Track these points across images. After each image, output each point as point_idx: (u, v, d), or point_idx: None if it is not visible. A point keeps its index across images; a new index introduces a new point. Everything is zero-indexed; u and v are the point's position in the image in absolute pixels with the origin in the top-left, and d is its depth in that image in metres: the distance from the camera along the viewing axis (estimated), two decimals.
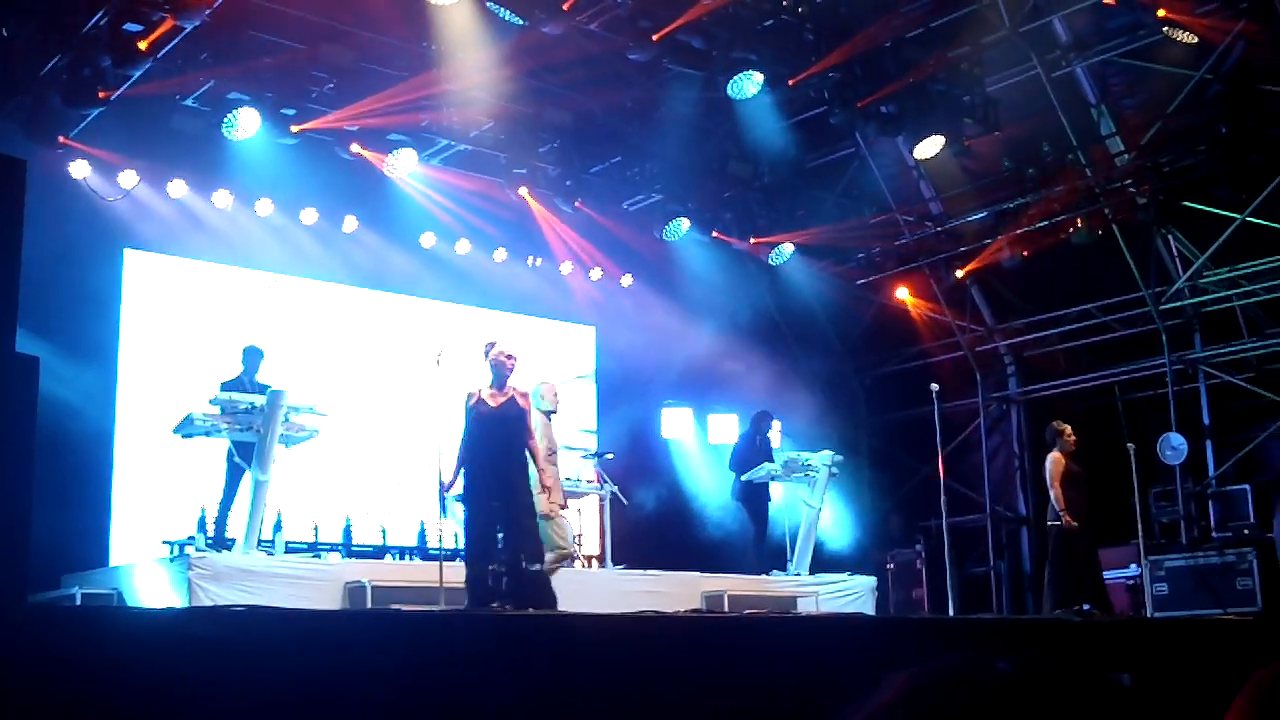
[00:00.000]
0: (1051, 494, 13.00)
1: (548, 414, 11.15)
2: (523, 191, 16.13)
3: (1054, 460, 13.06)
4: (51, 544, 10.08)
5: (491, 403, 10.12)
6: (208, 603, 9.97)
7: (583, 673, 6.19)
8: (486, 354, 10.34)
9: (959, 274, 18.16)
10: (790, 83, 14.45)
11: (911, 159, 17.13)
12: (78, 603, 10.93)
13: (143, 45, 11.49)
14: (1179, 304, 16.87)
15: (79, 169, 13.68)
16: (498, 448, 10.07)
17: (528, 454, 10.28)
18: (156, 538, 12.77)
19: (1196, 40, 14.56)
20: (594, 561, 14.14)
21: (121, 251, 14.65)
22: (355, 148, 14.66)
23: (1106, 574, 13.84)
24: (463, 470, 10.20)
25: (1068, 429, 13.22)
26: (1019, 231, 17.21)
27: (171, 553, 12.12)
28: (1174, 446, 15.84)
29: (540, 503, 10.53)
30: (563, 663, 6.19)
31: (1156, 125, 15.94)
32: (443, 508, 10.52)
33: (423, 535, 14.70)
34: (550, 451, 11.04)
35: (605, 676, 6.24)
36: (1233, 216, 15.66)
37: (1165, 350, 16.82)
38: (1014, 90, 15.93)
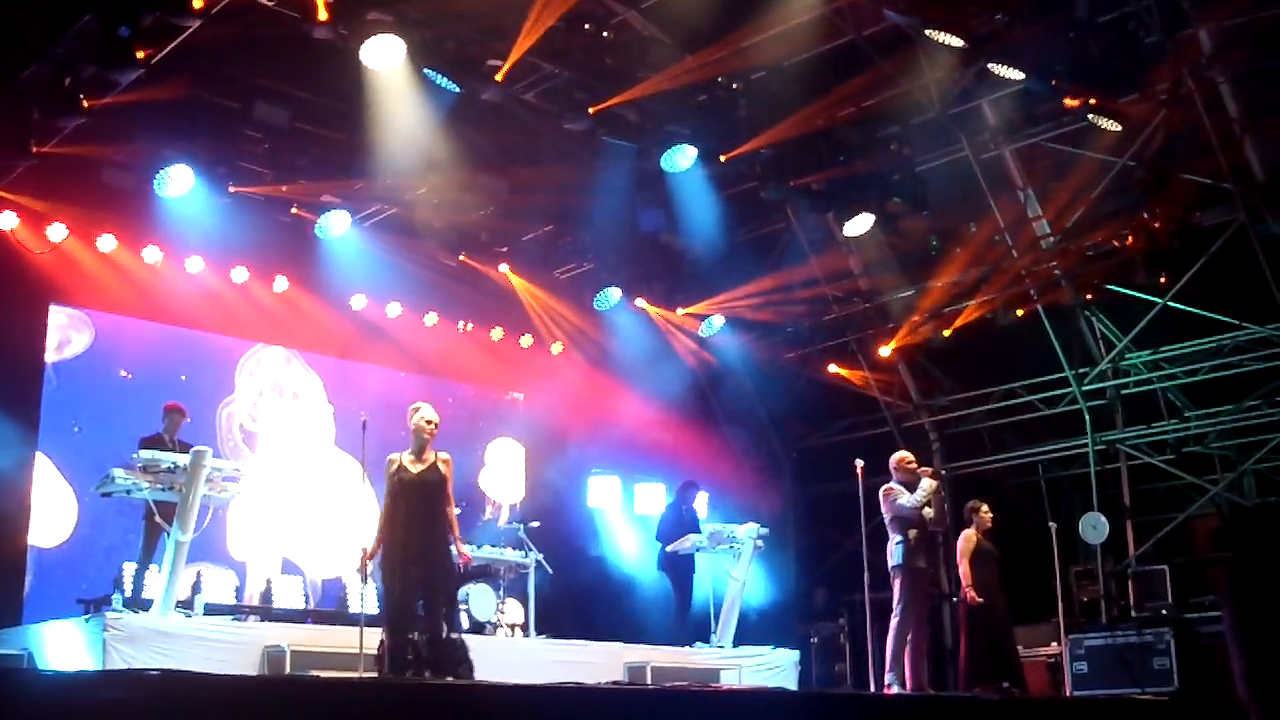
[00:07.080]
0: (959, 570, 13.17)
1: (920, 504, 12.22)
2: (462, 258, 16.17)
3: (965, 538, 13.23)
4: None
5: (412, 469, 10.06)
6: (122, 665, 9.76)
7: None
8: (411, 418, 10.29)
9: (885, 350, 18.34)
10: (722, 158, 14.60)
11: (841, 236, 17.30)
12: None
13: (85, 103, 11.39)
14: (1102, 385, 17.12)
15: (6, 220, 13.52)
16: (418, 514, 9.98)
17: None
18: (72, 596, 12.52)
19: (1120, 128, 14.87)
20: (517, 630, 14.03)
21: (47, 308, 14.44)
22: (294, 210, 14.65)
23: (1026, 651, 13.94)
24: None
25: (983, 507, 13.37)
26: (945, 310, 17.43)
27: (87, 612, 11.86)
28: (1095, 526, 16.01)
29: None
30: None
31: (1081, 209, 16.24)
32: (364, 576, 10.39)
33: (344, 600, 14.52)
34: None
35: None
36: (1154, 300, 15.95)
37: (1088, 430, 17.05)
38: (943, 171, 16.18)
